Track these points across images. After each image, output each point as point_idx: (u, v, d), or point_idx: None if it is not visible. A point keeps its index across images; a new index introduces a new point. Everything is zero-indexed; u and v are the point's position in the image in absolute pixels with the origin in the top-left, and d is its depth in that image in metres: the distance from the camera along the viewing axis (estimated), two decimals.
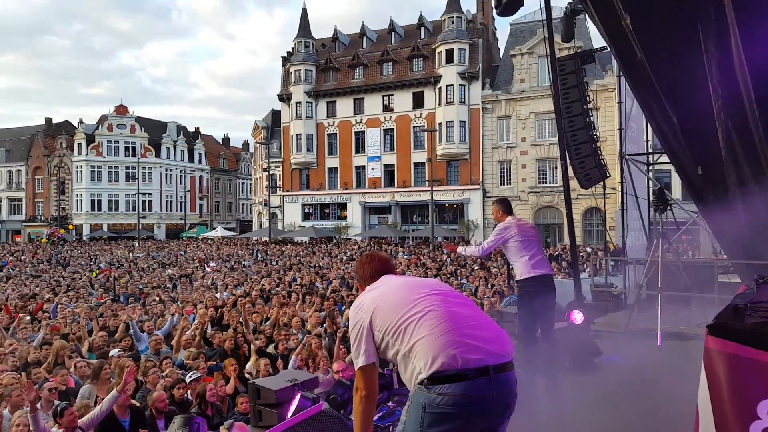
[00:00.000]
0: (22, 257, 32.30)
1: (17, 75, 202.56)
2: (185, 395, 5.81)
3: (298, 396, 3.29)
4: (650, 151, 12.83)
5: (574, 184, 10.91)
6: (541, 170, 39.58)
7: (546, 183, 39.24)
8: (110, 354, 7.41)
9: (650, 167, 12.56)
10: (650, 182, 12.43)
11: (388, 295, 2.40)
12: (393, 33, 46.89)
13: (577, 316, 6.45)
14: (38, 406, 4.65)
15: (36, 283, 19.39)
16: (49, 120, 65.55)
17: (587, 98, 10.25)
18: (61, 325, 9.97)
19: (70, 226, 57.29)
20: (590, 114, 10.39)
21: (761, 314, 1.60)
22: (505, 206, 5.67)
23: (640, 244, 12.74)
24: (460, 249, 6.00)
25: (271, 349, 7.78)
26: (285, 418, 3.22)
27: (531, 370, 5.07)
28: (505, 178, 40.78)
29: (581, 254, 22.40)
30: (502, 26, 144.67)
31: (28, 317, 11.19)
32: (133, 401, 5.35)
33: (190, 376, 6.11)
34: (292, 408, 3.26)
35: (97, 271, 23.20)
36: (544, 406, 4.70)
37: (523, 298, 5.39)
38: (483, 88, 40.98)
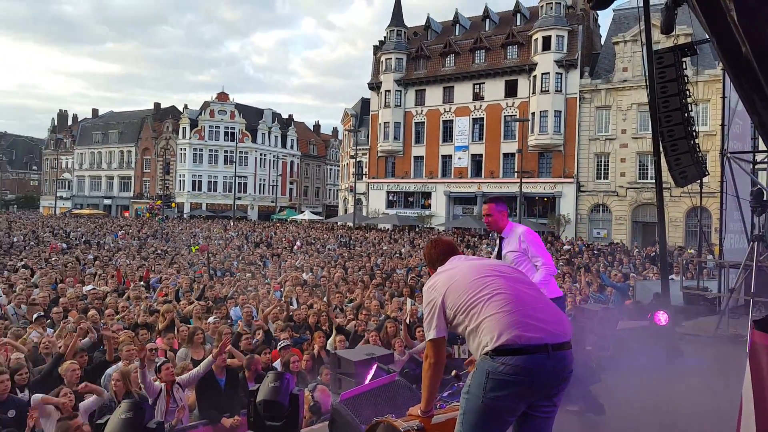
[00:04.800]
0: (130, 231, 35.15)
1: (133, 62, 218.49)
2: (270, 363, 6.30)
3: (374, 366, 3.60)
4: (757, 149, 12.04)
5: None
6: (642, 165, 37.01)
7: (647, 179, 36.21)
8: (208, 321, 8.11)
9: (755, 166, 11.80)
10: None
11: (458, 278, 2.69)
12: (487, 20, 46.03)
13: (662, 317, 6.39)
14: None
15: (143, 255, 21.11)
16: (157, 105, 71.95)
17: (687, 92, 9.79)
18: (165, 293, 10.96)
19: (173, 204, 61.52)
20: (689, 109, 9.92)
21: None
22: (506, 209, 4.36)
23: (742, 247, 12.03)
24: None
25: (350, 327, 8.16)
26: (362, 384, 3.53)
27: None
28: (602, 172, 38.85)
29: (679, 256, 21.28)
30: (605, 12, 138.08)
31: (142, 283, 12.36)
32: (228, 362, 5.89)
33: (281, 344, 6.61)
34: (369, 376, 3.58)
35: (197, 247, 24.77)
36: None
37: None
38: (581, 77, 39.29)
